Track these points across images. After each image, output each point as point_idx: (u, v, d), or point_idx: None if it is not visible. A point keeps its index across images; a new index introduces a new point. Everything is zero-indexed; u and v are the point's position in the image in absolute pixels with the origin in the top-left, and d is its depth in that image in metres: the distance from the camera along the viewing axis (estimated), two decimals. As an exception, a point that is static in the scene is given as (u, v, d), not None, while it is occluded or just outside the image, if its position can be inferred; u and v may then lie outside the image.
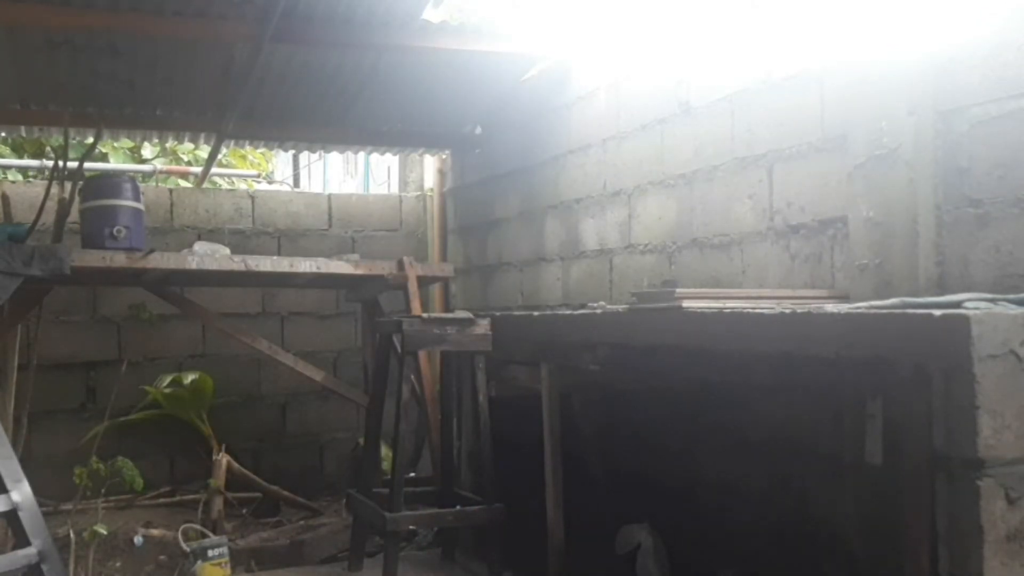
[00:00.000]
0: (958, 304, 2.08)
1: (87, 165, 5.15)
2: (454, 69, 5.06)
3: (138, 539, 4.48)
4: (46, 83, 4.93)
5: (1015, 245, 2.58)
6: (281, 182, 11.06)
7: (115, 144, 7.44)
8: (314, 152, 6.83)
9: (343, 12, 4.32)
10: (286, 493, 5.32)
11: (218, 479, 4.81)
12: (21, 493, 3.31)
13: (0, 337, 4.68)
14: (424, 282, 5.35)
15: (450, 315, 4.21)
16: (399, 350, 4.17)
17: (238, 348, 5.76)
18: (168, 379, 5.55)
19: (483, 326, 4.04)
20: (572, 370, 3.66)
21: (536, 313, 4.30)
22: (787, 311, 2.43)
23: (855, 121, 3.00)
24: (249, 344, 5.23)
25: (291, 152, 7.86)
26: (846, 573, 2.77)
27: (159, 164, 8.00)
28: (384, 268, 5.03)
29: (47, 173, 6.44)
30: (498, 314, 4.29)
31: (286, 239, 6.33)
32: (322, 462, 6.36)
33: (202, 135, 5.83)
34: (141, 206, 4.66)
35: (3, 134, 6.71)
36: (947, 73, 2.76)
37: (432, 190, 6.57)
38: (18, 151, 8.25)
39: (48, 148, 7.78)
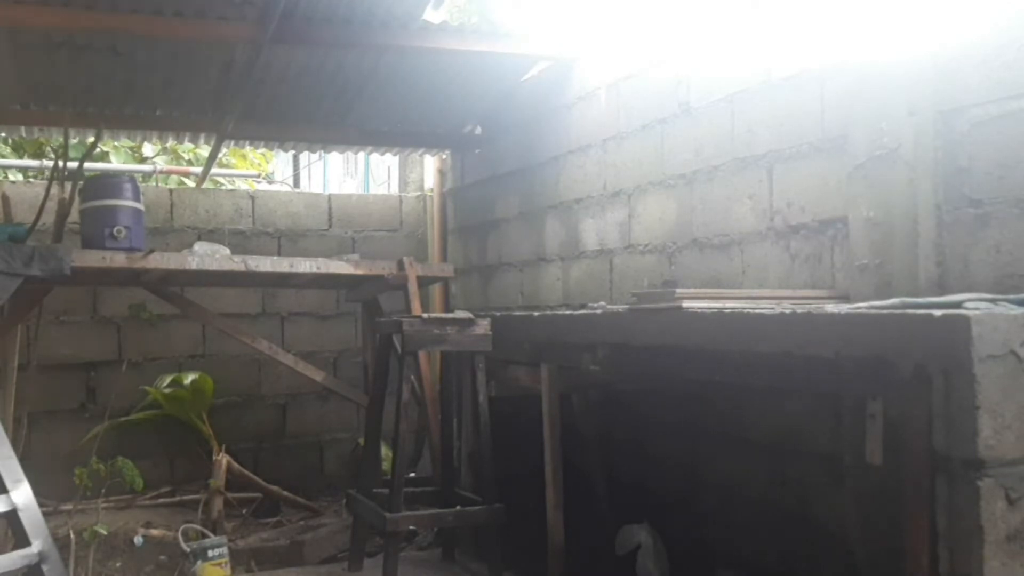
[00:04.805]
0: (958, 304, 2.08)
1: (87, 165, 5.15)
2: (454, 69, 5.06)
3: (138, 539, 4.48)
4: (46, 83, 4.92)
5: (1015, 245, 2.58)
6: (281, 182, 11.09)
7: (116, 143, 7.45)
8: (314, 152, 6.82)
9: (343, 13, 4.32)
10: (286, 493, 5.32)
11: (218, 479, 4.81)
12: (21, 493, 3.31)
13: (0, 337, 4.68)
14: (424, 282, 5.35)
15: (450, 315, 4.21)
16: (399, 350, 4.17)
17: (238, 348, 5.76)
18: (168, 379, 5.55)
19: (483, 326, 4.04)
20: (572, 370, 3.66)
21: (536, 313, 4.30)
22: (787, 311, 2.43)
23: (855, 121, 3.00)
24: (249, 344, 5.23)
25: (291, 152, 7.86)
26: (846, 573, 2.77)
27: (160, 162, 8.01)
28: (384, 268, 5.03)
29: (47, 173, 6.45)
30: (498, 314, 4.29)
31: (286, 239, 6.33)
32: (322, 462, 6.36)
33: (202, 135, 5.83)
34: (141, 206, 4.66)
35: (3, 134, 6.70)
36: (947, 73, 2.76)
37: (432, 190, 6.57)
38: (18, 151, 8.26)
39: (48, 148, 7.79)
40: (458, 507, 4.13)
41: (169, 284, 5.12)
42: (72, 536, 4.22)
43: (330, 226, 6.48)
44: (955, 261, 2.75)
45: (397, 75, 5.08)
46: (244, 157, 8.99)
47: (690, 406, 3.76)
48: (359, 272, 4.98)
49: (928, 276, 2.78)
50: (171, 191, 6.23)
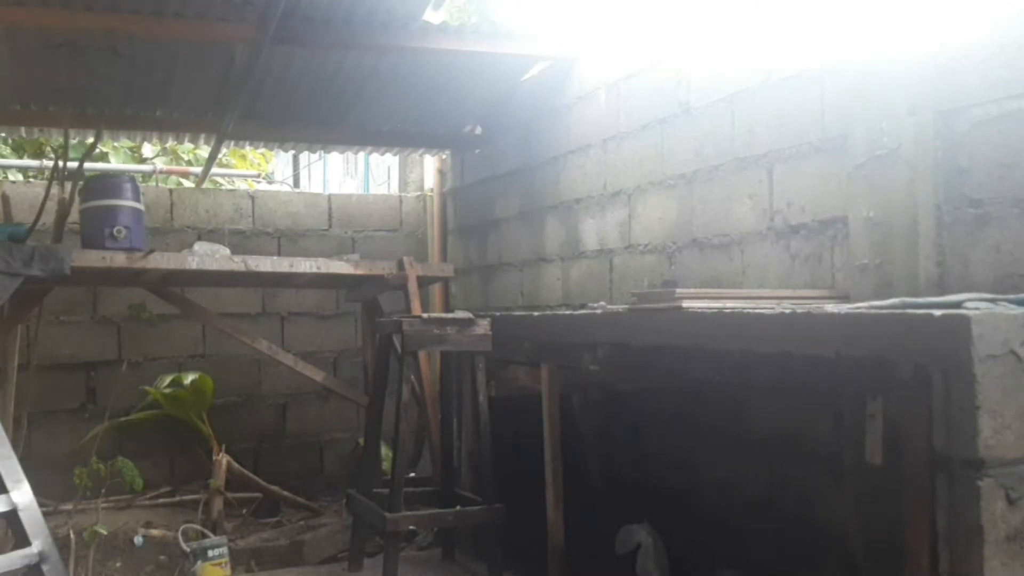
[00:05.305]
0: (958, 304, 2.08)
1: (87, 165, 5.15)
2: (454, 69, 5.06)
3: (138, 539, 4.48)
4: (46, 83, 4.92)
5: (1015, 245, 2.58)
6: (281, 182, 11.09)
7: (116, 144, 7.44)
8: (314, 152, 6.82)
9: (343, 13, 4.32)
10: (286, 493, 5.32)
11: (218, 479, 4.81)
12: (21, 493, 3.31)
13: (0, 337, 4.68)
14: (424, 282, 5.35)
15: (450, 315, 4.21)
16: (399, 350, 4.17)
17: (238, 348, 5.76)
18: (168, 379, 5.55)
19: (483, 326, 4.04)
20: (572, 370, 3.66)
21: (536, 313, 4.30)
22: (787, 311, 2.43)
23: (855, 121, 3.00)
24: (249, 344, 5.23)
25: (291, 152, 7.86)
26: (846, 573, 2.77)
27: (160, 163, 8.01)
28: (384, 268, 5.03)
29: (47, 173, 6.45)
30: (498, 314, 4.29)
31: (286, 239, 6.33)
32: (322, 462, 6.36)
33: (202, 135, 5.83)
34: (141, 206, 4.66)
35: (3, 134, 6.70)
36: (947, 73, 2.76)
37: (432, 190, 6.57)
38: (18, 151, 8.27)
39: (48, 148, 7.79)
40: (458, 507, 4.13)
41: (169, 284, 5.12)
42: (72, 536, 4.22)
43: (330, 226, 6.48)
44: (955, 261, 2.75)
45: (397, 75, 5.08)
46: (244, 157, 8.99)
47: (690, 406, 3.76)
48: (359, 272, 4.98)
49: (928, 276, 2.78)
50: (171, 191, 6.23)
